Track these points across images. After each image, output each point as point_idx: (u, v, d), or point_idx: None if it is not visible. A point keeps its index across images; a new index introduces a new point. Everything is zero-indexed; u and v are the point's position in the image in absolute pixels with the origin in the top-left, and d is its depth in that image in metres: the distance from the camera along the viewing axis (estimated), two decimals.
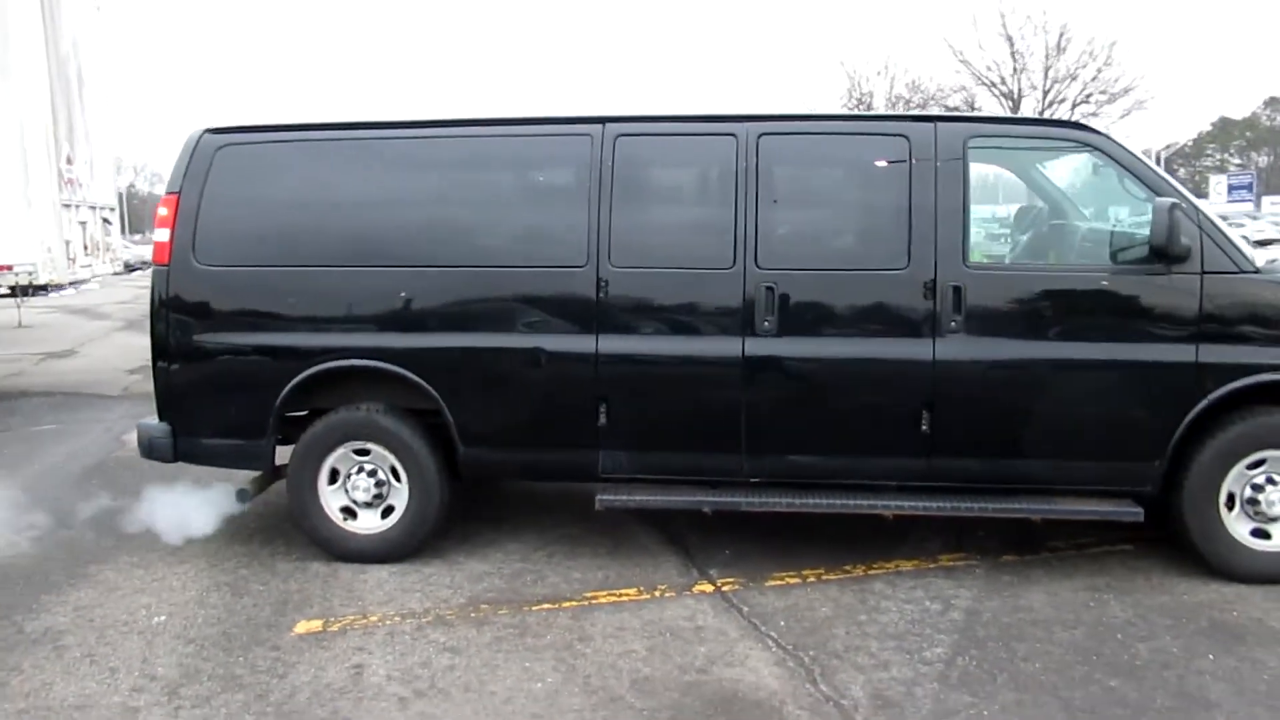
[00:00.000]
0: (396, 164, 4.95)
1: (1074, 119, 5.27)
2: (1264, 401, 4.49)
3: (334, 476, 4.96)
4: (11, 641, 4.12)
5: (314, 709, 3.56)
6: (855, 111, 5.82)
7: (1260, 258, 4.54)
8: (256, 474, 5.15)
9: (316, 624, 4.27)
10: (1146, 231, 4.38)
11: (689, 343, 4.68)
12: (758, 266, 4.59)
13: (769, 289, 4.58)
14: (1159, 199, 4.30)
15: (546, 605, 4.44)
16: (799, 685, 3.68)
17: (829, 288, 4.64)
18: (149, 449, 5.10)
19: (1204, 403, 4.43)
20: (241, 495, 5.10)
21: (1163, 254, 4.31)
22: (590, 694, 3.63)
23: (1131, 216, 4.75)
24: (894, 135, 4.63)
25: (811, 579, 4.70)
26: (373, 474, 4.93)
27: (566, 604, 4.46)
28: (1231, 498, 4.53)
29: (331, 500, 4.96)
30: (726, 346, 4.63)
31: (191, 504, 5.40)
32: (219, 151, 4.99)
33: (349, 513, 4.98)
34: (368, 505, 4.96)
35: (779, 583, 4.66)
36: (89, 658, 3.97)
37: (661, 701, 3.57)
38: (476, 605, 4.45)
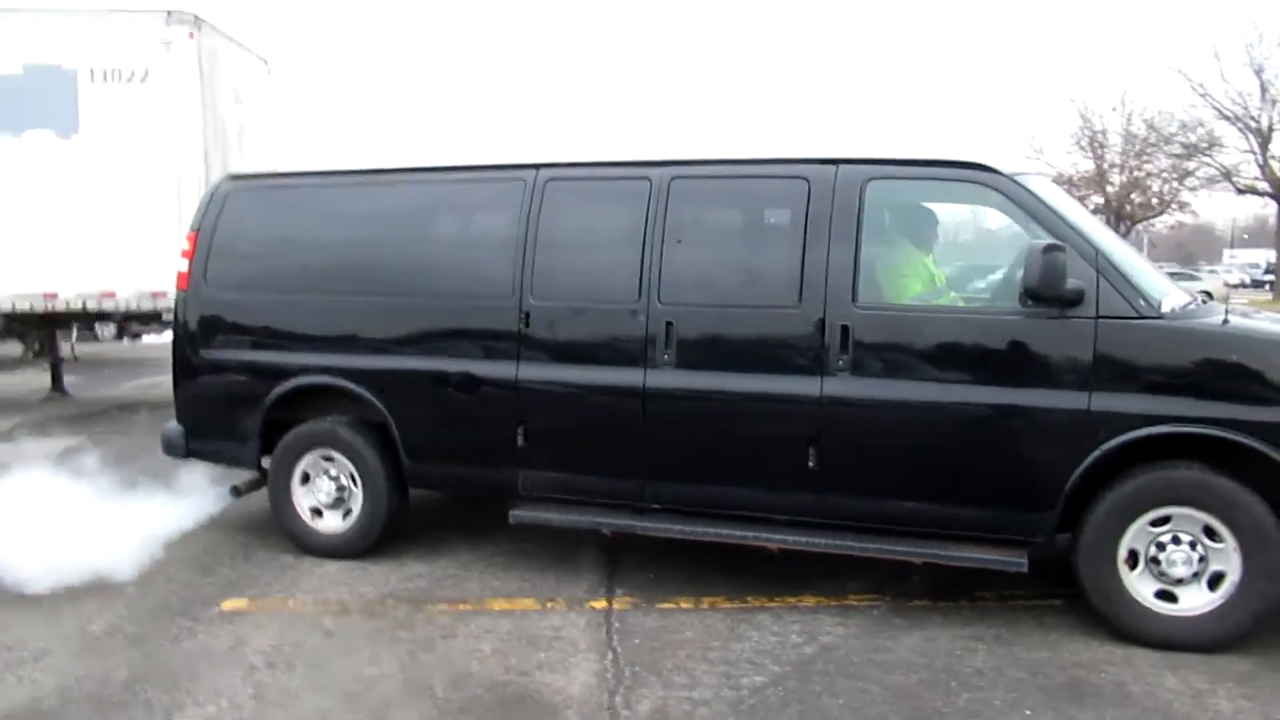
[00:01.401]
0: (356, 206, 5.59)
1: (975, 159, 5.01)
2: (1172, 455, 4.25)
3: (305, 479, 5.59)
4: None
5: (179, 666, 4.13)
6: (760, 156, 5.82)
7: (1172, 302, 4.31)
8: (252, 474, 5.86)
9: (243, 603, 4.87)
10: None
11: (597, 373, 4.98)
12: (659, 302, 4.84)
13: (669, 324, 4.81)
14: (1034, 242, 4.21)
15: (444, 606, 4.83)
16: (597, 695, 3.87)
17: (725, 324, 4.81)
18: (167, 446, 5.94)
19: (1096, 454, 4.25)
20: (234, 491, 5.84)
21: (1037, 297, 4.20)
22: (407, 682, 3.99)
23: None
24: (795, 177, 4.76)
25: (705, 605, 4.83)
26: (335, 479, 5.52)
27: (462, 606, 4.83)
28: (1135, 555, 4.30)
29: (302, 501, 5.59)
30: (629, 377, 4.88)
31: (205, 496, 6.17)
32: (230, 195, 5.81)
33: (317, 513, 5.58)
34: (331, 507, 5.55)
35: (671, 606, 4.82)
36: (41, 611, 4.72)
37: (464, 696, 3.87)
38: (384, 600, 4.91)
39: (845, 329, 4.55)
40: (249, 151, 11.29)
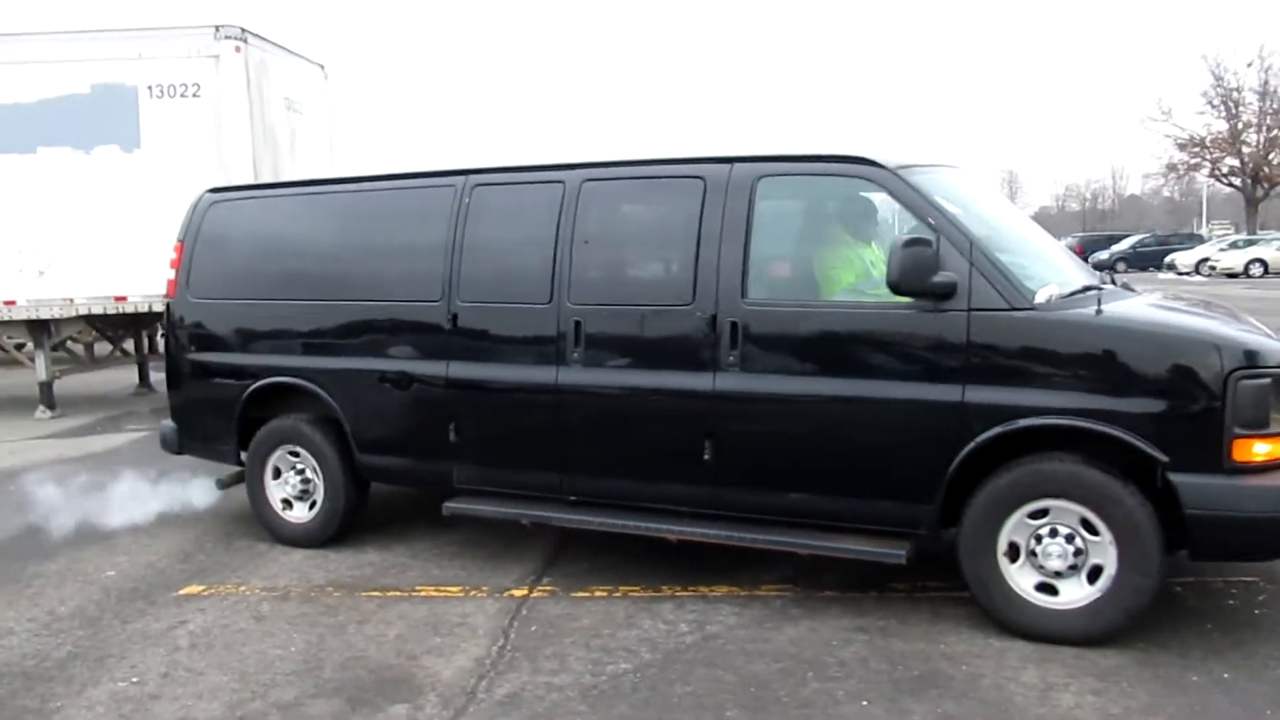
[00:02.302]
0: (313, 215, 5.96)
1: (859, 154, 4.91)
2: (1049, 447, 4.21)
3: (277, 473, 6.03)
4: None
5: (115, 645, 4.59)
6: (664, 156, 5.76)
7: (1048, 293, 4.24)
8: (235, 469, 6.34)
9: (199, 588, 5.34)
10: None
11: (516, 370, 5.21)
12: (569, 303, 5.04)
13: (577, 323, 5.01)
14: (895, 236, 4.22)
15: (375, 593, 5.18)
16: (466, 678, 4.13)
17: (628, 322, 4.96)
18: (163, 443, 6.49)
19: (971, 445, 4.25)
20: (219, 484, 6.35)
21: (898, 290, 4.22)
22: (303, 663, 4.33)
23: None
24: (692, 177, 4.87)
25: (619, 594, 5.02)
26: (300, 473, 5.94)
27: (392, 593, 5.17)
28: (1016, 548, 4.28)
29: (274, 493, 6.04)
30: (544, 375, 5.11)
31: (202, 488, 6.71)
32: (211, 207, 6.28)
33: (287, 504, 6.02)
34: (299, 499, 5.98)
35: (585, 594, 5.04)
36: (27, 595, 5.30)
37: (345, 676, 4.19)
38: (326, 587, 5.29)
39: (735, 325, 4.65)
40: (302, 157, 11.92)
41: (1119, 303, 4.38)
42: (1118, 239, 46.80)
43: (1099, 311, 4.14)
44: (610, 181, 5.11)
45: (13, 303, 11.05)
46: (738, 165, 4.79)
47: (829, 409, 4.52)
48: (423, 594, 5.14)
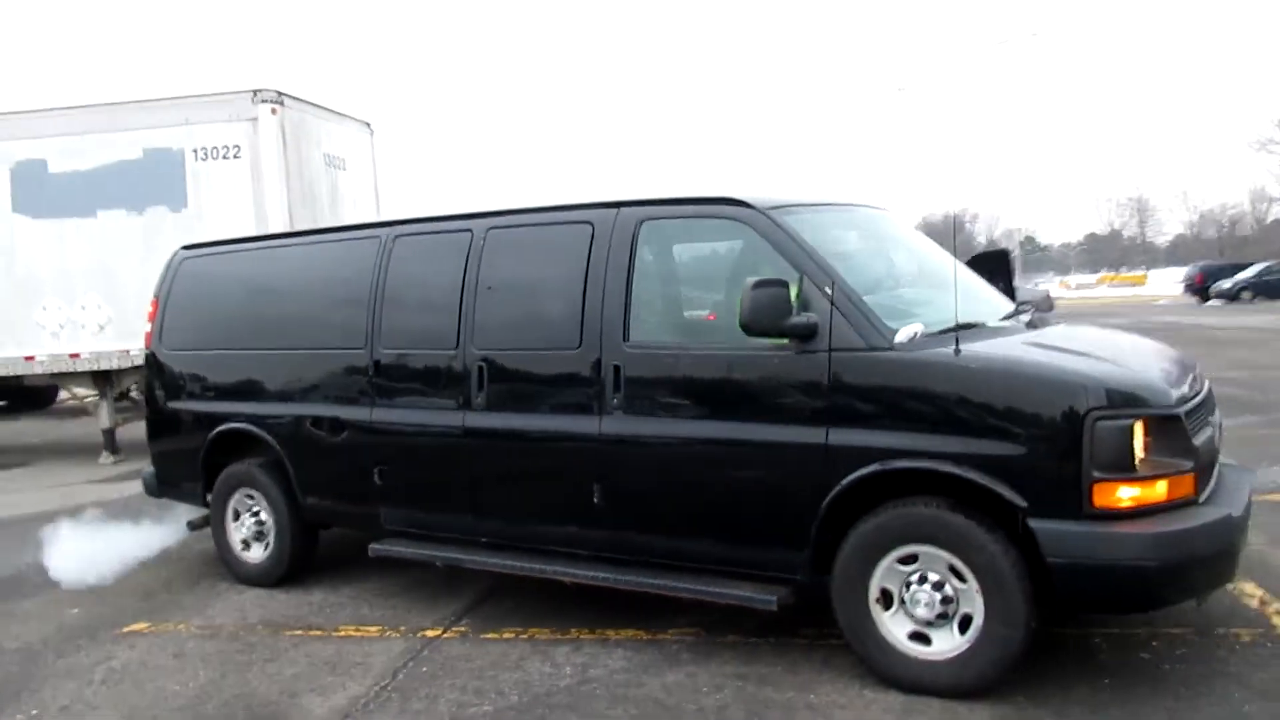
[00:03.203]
0: (262, 268, 6.25)
1: (731, 195, 4.80)
2: (920, 490, 4.08)
3: (236, 515, 6.29)
4: None
5: (39, 678, 4.86)
6: (559, 203, 5.74)
7: (909, 333, 4.12)
8: (205, 511, 6.63)
9: (143, 625, 5.59)
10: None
11: (430, 415, 5.33)
12: (474, 348, 5.15)
13: (480, 368, 5.11)
14: (747, 279, 4.17)
15: (298, 631, 5.34)
16: (334, 716, 4.22)
17: (525, 366, 5.04)
18: (145, 487, 6.84)
19: (837, 489, 4.15)
20: (190, 526, 6.64)
21: (749, 331, 4.16)
22: (193, 698, 4.51)
23: None
24: (582, 223, 4.93)
25: (525, 636, 5.04)
26: (255, 514, 6.18)
27: (313, 632, 5.31)
28: (889, 595, 4.15)
29: (234, 534, 6.29)
30: (452, 419, 5.21)
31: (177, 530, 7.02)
32: (182, 263, 6.65)
33: (246, 545, 6.26)
34: (255, 540, 6.21)
35: (494, 636, 5.08)
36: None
37: (225, 712, 4.34)
38: (255, 625, 5.47)
39: (618, 368, 4.67)
40: (343, 212, 12.44)
41: (987, 341, 4.22)
42: (1243, 267, 44.38)
43: (958, 351, 4.00)
44: (512, 229, 5.22)
45: (77, 355, 11.79)
46: (623, 210, 4.83)
47: (703, 452, 4.48)
48: (341, 634, 5.27)
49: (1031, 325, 4.81)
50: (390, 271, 5.54)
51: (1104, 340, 4.66)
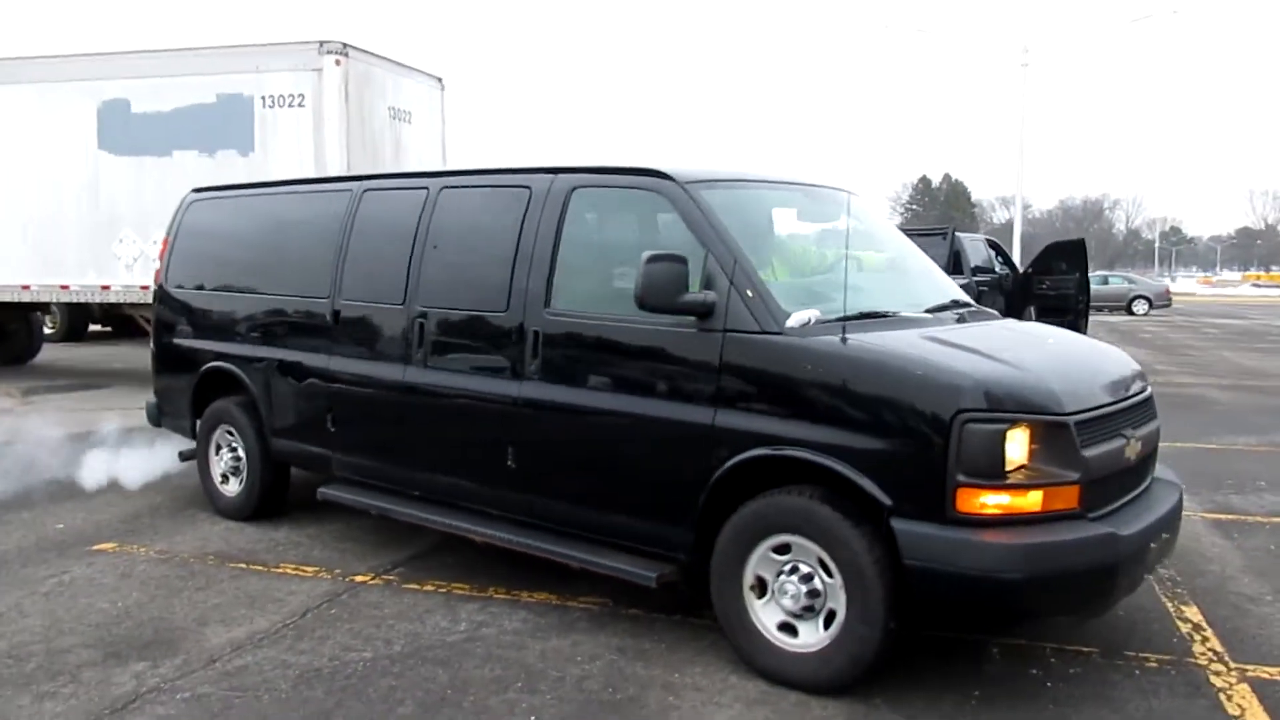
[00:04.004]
0: (252, 214, 6.48)
1: (654, 167, 4.61)
2: (799, 480, 3.99)
3: (218, 449, 6.59)
4: None
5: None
6: (507, 166, 5.56)
7: (802, 318, 4.01)
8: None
9: (110, 545, 5.94)
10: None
11: (376, 367, 5.47)
12: (418, 304, 5.25)
13: (421, 324, 5.21)
14: (644, 253, 4.12)
15: (241, 565, 5.58)
16: (224, 648, 4.40)
17: (460, 326, 5.11)
18: (148, 416, 7.22)
19: (719, 472, 4.10)
20: (181, 456, 6.97)
21: (642, 306, 4.11)
22: (113, 617, 4.77)
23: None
24: (521, 186, 4.95)
25: (444, 590, 5.15)
26: (234, 450, 6.46)
27: (255, 566, 5.55)
28: (764, 583, 4.09)
29: (215, 467, 6.60)
30: (395, 373, 5.34)
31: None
32: (190, 205, 6.94)
33: (225, 478, 6.56)
34: (232, 474, 6.50)
35: (414, 586, 5.21)
36: None
37: (132, 633, 4.56)
38: (206, 555, 5.73)
39: (537, 334, 4.70)
40: (407, 163, 12.70)
41: (885, 332, 4.08)
42: None
43: (844, 340, 3.89)
44: (461, 190, 5.27)
45: (147, 288, 12.42)
46: (559, 177, 4.83)
47: (605, 423, 4.48)
48: (280, 571, 5.49)
49: (961, 320, 4.61)
50: (356, 225, 5.68)
51: (1021, 341, 4.44)
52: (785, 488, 3.99)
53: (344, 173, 11.43)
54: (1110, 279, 39.12)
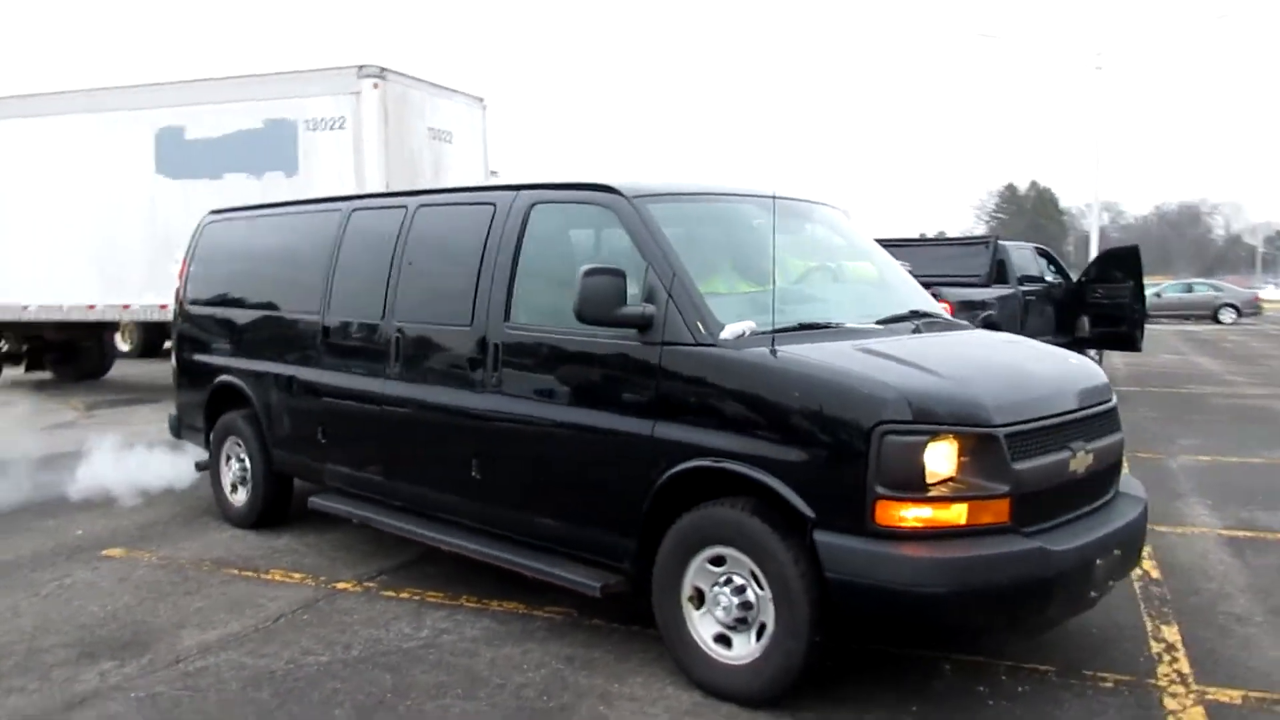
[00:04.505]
0: (258, 234, 6.72)
1: (602, 182, 4.60)
2: (735, 491, 4.00)
3: (228, 460, 6.83)
4: None
5: (3, 585, 5.49)
6: (477, 184, 5.61)
7: (736, 330, 4.02)
8: None
9: (120, 551, 6.20)
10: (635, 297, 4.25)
11: (359, 381, 5.62)
12: (394, 319, 5.39)
13: (397, 340, 5.35)
14: (582, 266, 4.17)
15: (234, 571, 5.78)
16: (192, 649, 4.57)
17: (431, 340, 5.23)
18: (170, 428, 7.52)
19: (659, 483, 4.13)
20: (198, 466, 7.25)
21: (580, 319, 4.17)
22: (99, 619, 4.98)
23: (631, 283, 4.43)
24: (486, 204, 5.06)
25: (416, 598, 5.25)
26: (241, 461, 6.70)
27: (245, 573, 5.74)
28: (702, 595, 4.10)
29: (225, 478, 6.85)
30: (375, 386, 5.49)
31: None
32: (207, 226, 7.23)
33: (234, 488, 6.80)
34: (241, 484, 6.74)
35: (390, 594, 5.34)
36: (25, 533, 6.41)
37: (110, 635, 4.76)
38: (203, 562, 5.95)
39: (497, 347, 4.80)
40: (446, 183, 12.97)
41: (820, 343, 4.05)
42: None
43: (774, 351, 3.88)
44: (435, 208, 5.41)
45: None
46: (521, 193, 4.92)
47: (555, 434, 4.54)
48: (268, 578, 5.67)
49: (917, 331, 4.56)
50: (344, 242, 5.86)
51: (966, 353, 4.35)
52: (720, 500, 3.99)
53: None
54: (1195, 286, 37.77)
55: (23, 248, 13.77)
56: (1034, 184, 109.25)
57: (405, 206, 5.53)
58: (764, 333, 4.03)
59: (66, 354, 15.66)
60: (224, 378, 6.70)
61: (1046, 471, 3.77)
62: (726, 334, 4.02)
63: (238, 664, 4.42)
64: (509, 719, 3.88)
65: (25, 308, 13.99)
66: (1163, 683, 4.16)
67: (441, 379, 5.13)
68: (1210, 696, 4.02)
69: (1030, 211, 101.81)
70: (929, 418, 3.57)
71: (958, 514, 3.57)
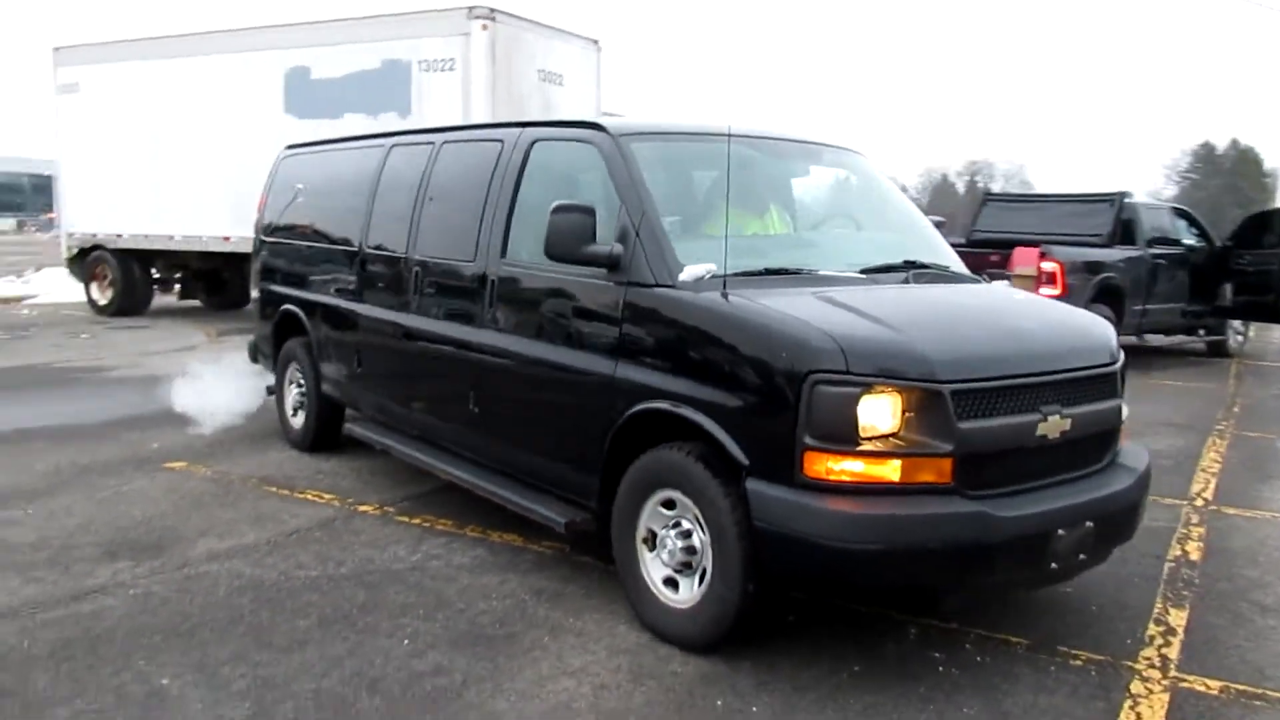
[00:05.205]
0: (320, 168, 6.97)
1: (590, 119, 4.30)
2: (684, 435, 3.96)
3: (290, 384, 7.22)
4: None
5: (70, 488, 6.01)
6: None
7: (695, 272, 3.94)
8: None
9: (182, 464, 6.68)
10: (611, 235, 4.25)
11: (387, 313, 5.82)
12: (415, 254, 5.55)
13: (417, 273, 5.51)
14: (553, 203, 4.17)
15: (273, 489, 6.13)
16: (202, 555, 4.91)
17: (444, 274, 5.35)
18: (248, 354, 7.99)
19: (619, 423, 4.14)
20: (268, 390, 7.67)
21: (550, 256, 4.18)
22: (138, 523, 5.39)
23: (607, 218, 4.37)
24: (495, 141, 5.12)
25: (426, 524, 5.45)
26: (301, 386, 7.06)
27: (281, 491, 6.08)
28: (655, 537, 4.11)
29: (288, 401, 7.24)
30: (399, 318, 5.68)
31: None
32: (282, 161, 7.57)
33: (294, 411, 7.19)
34: (300, 408, 7.11)
35: (405, 520, 5.55)
36: (89, 451, 6.96)
37: (139, 537, 5.16)
38: (250, 478, 6.33)
39: (493, 283, 4.88)
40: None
41: (778, 290, 3.92)
42: None
43: (725, 295, 3.80)
44: (456, 145, 5.50)
45: None
46: (525, 130, 4.96)
47: (535, 370, 4.60)
48: (300, 496, 5.99)
49: (906, 282, 4.35)
50: (383, 178, 6.04)
51: (936, 306, 4.10)
52: (672, 444, 3.96)
53: None
54: None
55: (172, 180, 14.74)
56: (1234, 142, 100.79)
57: (433, 143, 5.64)
58: (726, 275, 3.94)
59: (212, 284, 16.72)
60: (287, 306, 7.05)
61: (1003, 433, 3.57)
62: (685, 275, 3.95)
63: (235, 572, 4.72)
64: (455, 641, 4.01)
65: (171, 237, 15.01)
66: (1140, 665, 3.91)
67: (449, 313, 5.26)
68: (1185, 684, 3.76)
69: (1229, 173, 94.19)
70: (865, 369, 3.42)
71: (892, 470, 3.43)
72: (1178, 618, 4.40)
